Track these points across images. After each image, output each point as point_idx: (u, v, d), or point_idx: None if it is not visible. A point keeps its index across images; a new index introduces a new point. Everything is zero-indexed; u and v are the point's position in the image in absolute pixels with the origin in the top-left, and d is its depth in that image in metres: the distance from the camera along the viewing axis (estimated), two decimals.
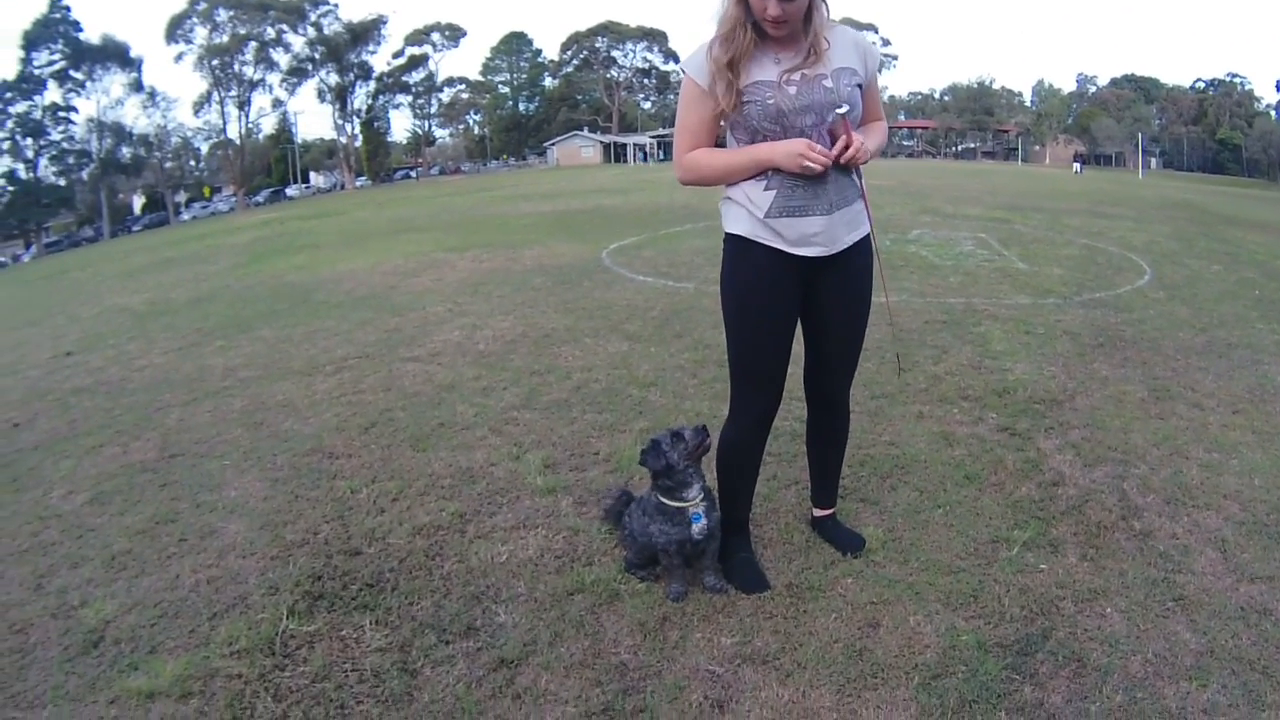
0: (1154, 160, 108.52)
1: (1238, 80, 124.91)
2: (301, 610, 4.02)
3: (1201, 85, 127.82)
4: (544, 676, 3.49)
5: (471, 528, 4.79)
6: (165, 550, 4.75)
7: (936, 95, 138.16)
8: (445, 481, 5.41)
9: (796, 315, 3.90)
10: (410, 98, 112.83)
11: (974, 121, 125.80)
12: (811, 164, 3.46)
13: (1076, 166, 79.79)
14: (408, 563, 4.42)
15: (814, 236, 3.65)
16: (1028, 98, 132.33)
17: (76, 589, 4.38)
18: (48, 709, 3.44)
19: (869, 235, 3.89)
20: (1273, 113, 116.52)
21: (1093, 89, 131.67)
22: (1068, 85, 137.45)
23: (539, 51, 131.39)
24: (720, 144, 3.83)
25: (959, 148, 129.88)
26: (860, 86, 3.65)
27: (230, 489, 5.54)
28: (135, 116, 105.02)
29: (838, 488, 4.58)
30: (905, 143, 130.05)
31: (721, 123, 3.70)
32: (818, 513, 4.55)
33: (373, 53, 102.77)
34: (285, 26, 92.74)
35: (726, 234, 3.82)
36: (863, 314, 4.00)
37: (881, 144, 3.84)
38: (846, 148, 3.50)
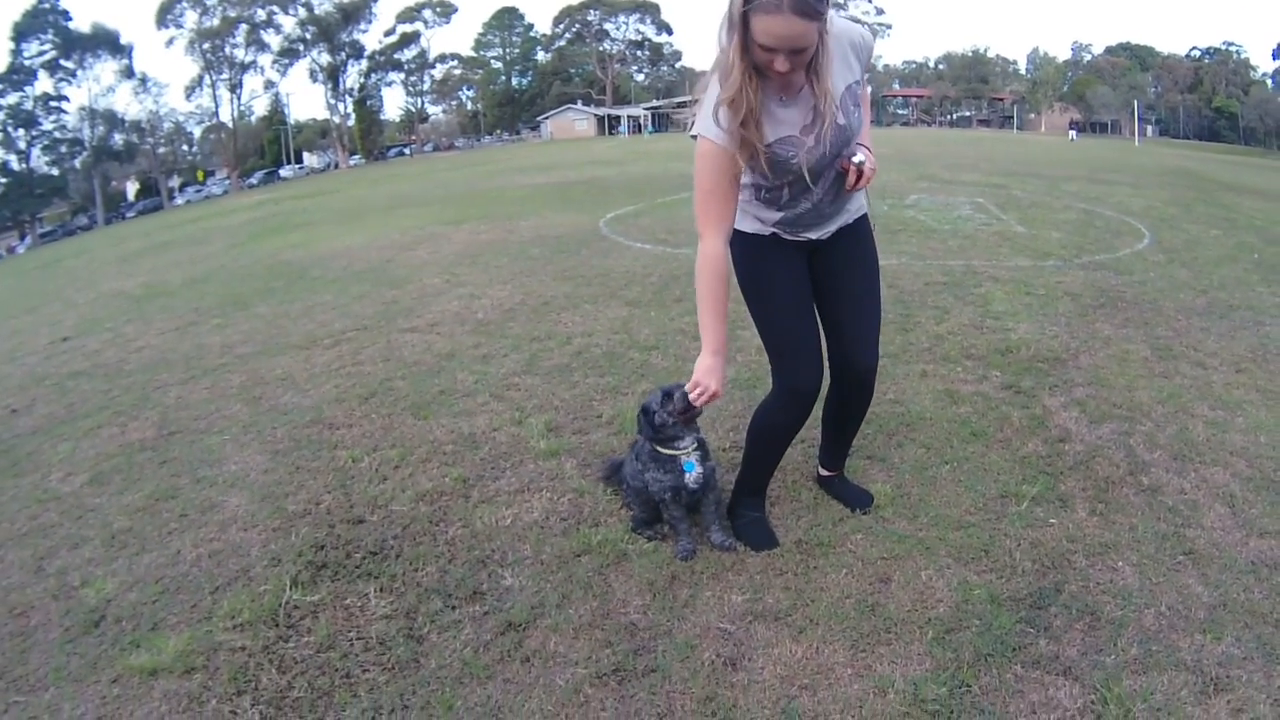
0: (1150, 128, 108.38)
1: (1234, 49, 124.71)
2: (305, 580, 3.99)
3: (1197, 54, 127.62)
4: (553, 638, 3.47)
5: (475, 492, 4.77)
6: (166, 526, 4.72)
7: (931, 64, 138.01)
8: (447, 448, 5.39)
9: (809, 284, 3.90)
10: (403, 75, 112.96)
11: (969, 90, 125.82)
12: (695, 389, 3.55)
13: (1072, 134, 79.59)
14: (411, 529, 4.40)
15: (809, 233, 3.80)
16: (1023, 66, 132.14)
17: (77, 569, 4.35)
18: (50, 691, 3.41)
19: (864, 215, 3.96)
20: (1269, 81, 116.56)
21: (1088, 57, 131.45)
22: (1063, 53, 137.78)
23: (531, 26, 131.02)
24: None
25: (954, 116, 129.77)
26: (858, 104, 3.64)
27: (230, 463, 5.50)
28: (127, 103, 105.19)
29: (848, 452, 4.57)
30: (900, 111, 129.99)
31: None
32: (825, 472, 4.55)
33: (364, 31, 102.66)
34: (276, 7, 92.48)
35: (735, 229, 3.78)
36: (873, 270, 4.01)
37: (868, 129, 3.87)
38: (859, 177, 3.56)
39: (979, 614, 3.48)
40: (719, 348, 3.52)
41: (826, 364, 3.98)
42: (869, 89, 3.89)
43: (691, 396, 3.54)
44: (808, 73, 3.29)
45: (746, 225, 3.79)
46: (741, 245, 3.82)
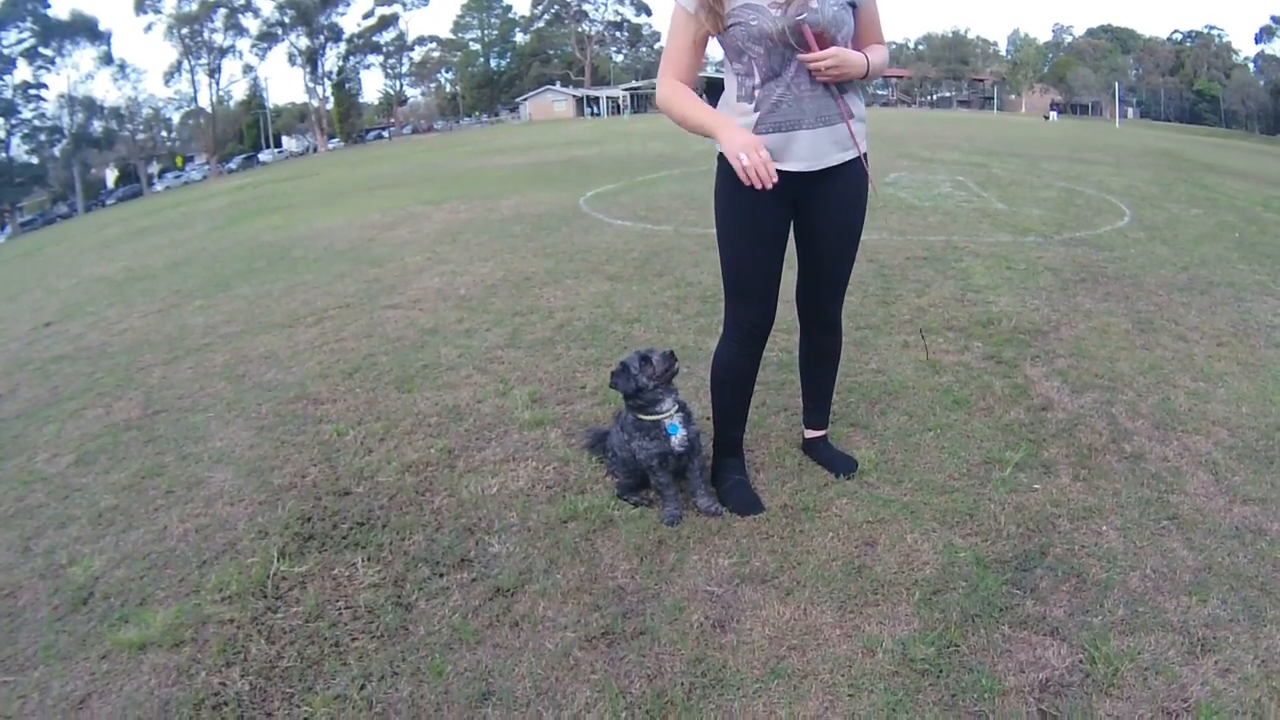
0: (1131, 110, 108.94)
1: (1215, 32, 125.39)
2: (292, 552, 4.00)
3: (1179, 36, 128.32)
4: (541, 603, 3.49)
5: (461, 463, 4.79)
6: (152, 503, 4.71)
7: (911, 44, 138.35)
8: (432, 420, 5.40)
9: (786, 231, 3.92)
10: (381, 58, 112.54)
11: (949, 71, 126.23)
12: (744, 169, 3.48)
13: (1053, 115, 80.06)
14: (398, 499, 4.41)
15: (798, 151, 3.68)
16: (1003, 47, 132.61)
17: (64, 548, 4.33)
18: (39, 669, 3.40)
19: (860, 158, 3.85)
20: (1251, 65, 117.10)
21: (1069, 39, 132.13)
22: (1044, 35, 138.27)
23: (509, 7, 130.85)
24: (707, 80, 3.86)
25: (934, 97, 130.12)
26: (853, 6, 3.64)
27: (215, 440, 5.49)
28: (106, 90, 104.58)
29: (830, 409, 4.59)
30: (880, 91, 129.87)
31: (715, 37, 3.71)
32: (810, 434, 4.57)
33: (342, 14, 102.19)
34: None
35: (719, 153, 3.80)
36: (854, 230, 4.01)
37: (881, 63, 3.79)
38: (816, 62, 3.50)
39: (965, 576, 3.51)
40: (725, 120, 3.64)
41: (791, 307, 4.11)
42: (875, 8, 3.83)
43: (748, 166, 3.48)
44: None
45: None
46: (726, 168, 3.78)
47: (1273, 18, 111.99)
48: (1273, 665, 2.99)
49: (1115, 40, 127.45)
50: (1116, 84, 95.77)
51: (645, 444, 4.00)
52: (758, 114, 3.66)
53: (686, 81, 3.79)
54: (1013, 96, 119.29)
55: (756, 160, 3.45)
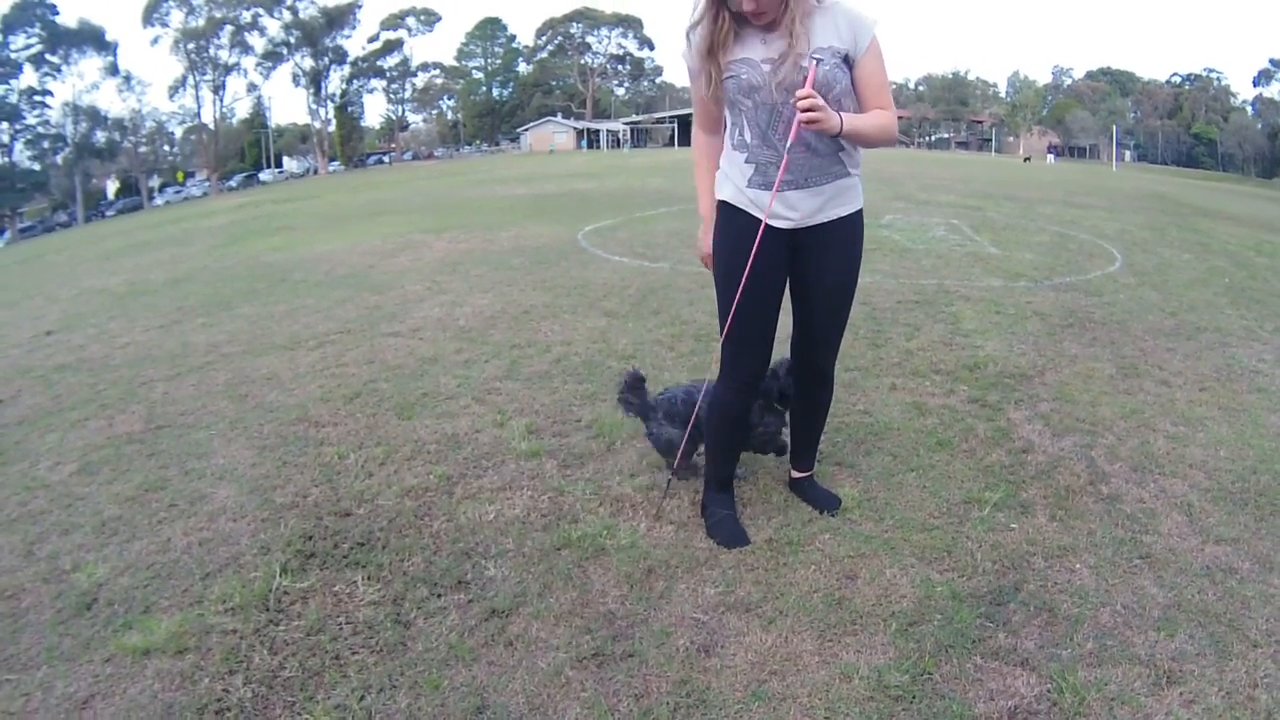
0: (1129, 153, 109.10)
1: (1214, 75, 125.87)
2: (294, 568, 4.10)
3: (1178, 80, 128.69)
4: (534, 625, 3.60)
5: (459, 489, 4.89)
6: (156, 515, 4.80)
7: (911, 85, 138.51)
8: (431, 447, 5.50)
9: (782, 281, 4.02)
10: (384, 82, 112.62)
11: (948, 112, 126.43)
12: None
13: (1050, 158, 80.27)
14: (397, 522, 4.52)
15: (788, 209, 3.80)
16: (1003, 89, 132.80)
17: (68, 554, 4.41)
18: (43, 670, 3.48)
19: (857, 212, 3.96)
20: (1248, 108, 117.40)
21: (1068, 81, 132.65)
22: (1043, 77, 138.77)
23: (513, 37, 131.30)
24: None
25: (932, 137, 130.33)
26: (848, 64, 3.65)
27: (218, 457, 5.58)
28: (110, 100, 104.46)
29: (817, 451, 4.69)
30: None
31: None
32: (795, 474, 4.68)
33: (347, 37, 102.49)
34: (261, 10, 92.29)
35: (717, 200, 3.96)
36: (847, 286, 4.08)
37: (877, 129, 3.68)
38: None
39: (941, 609, 3.63)
40: (705, 214, 4.11)
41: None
42: (876, 66, 3.69)
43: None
44: (784, 16, 3.58)
45: (728, 191, 3.91)
46: (724, 217, 3.95)
47: (1271, 61, 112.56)
48: (1236, 697, 3.10)
49: (1114, 83, 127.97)
50: (1114, 127, 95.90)
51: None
52: (752, 168, 3.79)
53: (713, 131, 4.03)
54: (1010, 139, 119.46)
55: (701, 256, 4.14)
